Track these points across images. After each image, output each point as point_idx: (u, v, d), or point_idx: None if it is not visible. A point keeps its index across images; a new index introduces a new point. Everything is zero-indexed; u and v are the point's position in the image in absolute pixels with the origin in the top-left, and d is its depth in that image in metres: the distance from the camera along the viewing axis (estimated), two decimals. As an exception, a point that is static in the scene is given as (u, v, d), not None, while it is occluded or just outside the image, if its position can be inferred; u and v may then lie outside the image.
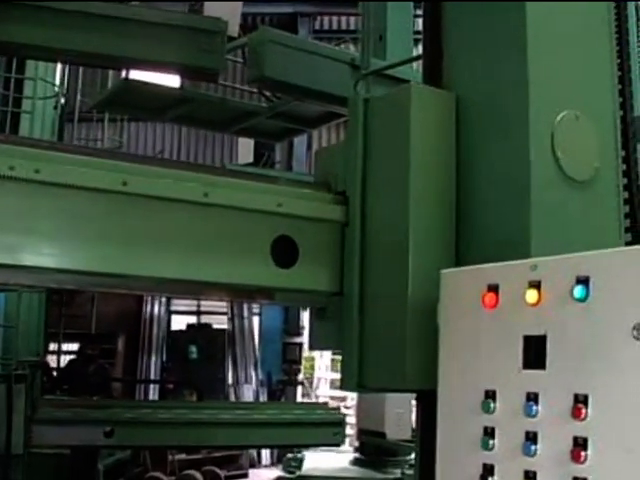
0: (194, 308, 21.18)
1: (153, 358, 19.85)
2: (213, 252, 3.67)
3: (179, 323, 20.97)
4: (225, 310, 20.74)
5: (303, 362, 20.83)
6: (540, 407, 2.67)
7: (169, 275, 3.61)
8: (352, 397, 17.67)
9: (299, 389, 20.46)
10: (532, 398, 2.69)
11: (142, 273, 3.54)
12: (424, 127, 3.72)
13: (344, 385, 3.88)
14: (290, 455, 10.66)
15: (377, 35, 7.43)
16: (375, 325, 3.69)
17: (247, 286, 3.87)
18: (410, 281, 3.51)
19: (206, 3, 7.40)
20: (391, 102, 3.88)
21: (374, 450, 9.94)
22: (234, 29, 7.24)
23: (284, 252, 3.83)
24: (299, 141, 19.97)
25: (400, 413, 9.63)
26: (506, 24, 3.67)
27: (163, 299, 20.52)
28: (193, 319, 21.10)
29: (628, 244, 3.87)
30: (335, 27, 22.21)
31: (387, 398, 9.54)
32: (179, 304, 21.19)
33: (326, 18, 22.28)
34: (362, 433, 10.43)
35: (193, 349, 19.01)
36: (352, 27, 21.14)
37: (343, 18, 22.04)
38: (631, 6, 5.70)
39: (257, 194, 3.81)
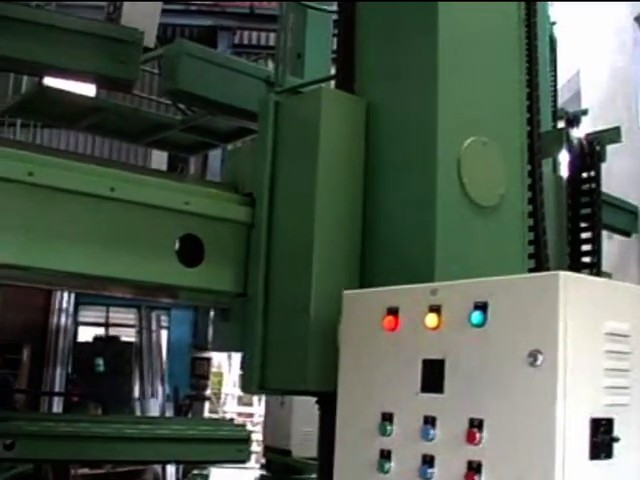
0: (102, 320, 20.86)
1: (59, 370, 19.43)
2: (118, 248, 3.63)
3: (86, 335, 20.63)
4: (134, 322, 20.48)
5: (211, 377, 20.68)
6: (437, 431, 2.67)
7: (72, 269, 3.56)
8: (259, 414, 17.60)
9: (207, 405, 20.29)
10: (429, 422, 2.70)
11: (45, 266, 3.48)
12: (333, 130, 3.73)
13: (246, 387, 3.87)
14: (196, 471, 10.54)
15: (296, 53, 7.43)
16: (278, 327, 3.71)
17: (151, 283, 3.84)
18: (313, 291, 3.54)
19: (124, 14, 7.32)
20: (301, 105, 3.88)
21: (280, 467, 9.88)
22: (150, 40, 7.17)
23: (190, 251, 3.81)
24: (214, 155, 19.85)
25: (307, 431, 9.60)
26: (418, 48, 3.70)
27: (70, 310, 20.18)
28: (101, 331, 20.77)
29: (532, 271, 3.91)
30: (255, 42, 22.21)
31: (294, 415, 9.50)
32: (87, 315, 20.85)
33: (246, 33, 22.28)
34: (268, 450, 10.37)
35: (100, 362, 18.74)
36: (272, 43, 21.17)
37: (263, 34, 22.06)
38: (543, 21, 5.83)
39: (165, 191, 3.78)
